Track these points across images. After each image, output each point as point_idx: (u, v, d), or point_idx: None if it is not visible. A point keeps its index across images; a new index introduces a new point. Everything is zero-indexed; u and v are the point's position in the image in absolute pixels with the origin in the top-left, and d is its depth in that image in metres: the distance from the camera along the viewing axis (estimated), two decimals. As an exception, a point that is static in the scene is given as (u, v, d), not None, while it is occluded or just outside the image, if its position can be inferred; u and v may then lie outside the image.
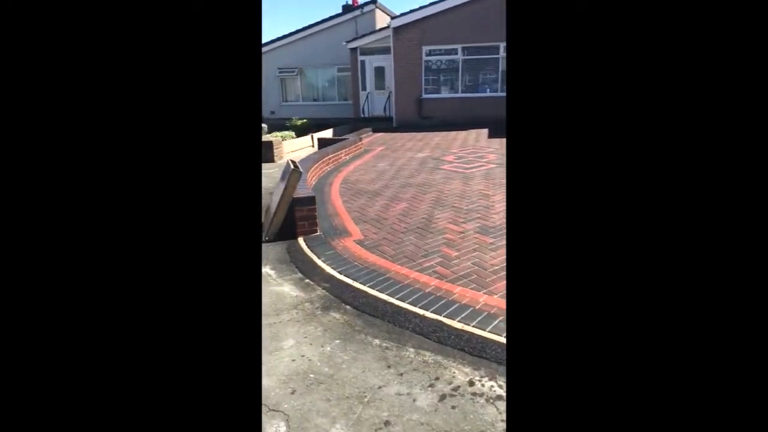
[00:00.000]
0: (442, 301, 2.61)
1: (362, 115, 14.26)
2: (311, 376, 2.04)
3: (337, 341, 2.32)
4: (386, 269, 3.11)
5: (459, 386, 1.91)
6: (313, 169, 6.12)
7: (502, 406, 1.79)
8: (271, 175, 7.33)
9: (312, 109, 15.87)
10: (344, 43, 13.88)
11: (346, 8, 15.27)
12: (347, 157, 7.88)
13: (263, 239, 3.95)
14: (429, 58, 12.57)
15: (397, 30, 12.30)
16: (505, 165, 6.04)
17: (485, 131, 10.54)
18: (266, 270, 3.30)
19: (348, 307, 2.67)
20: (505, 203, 4.29)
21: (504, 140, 8.28)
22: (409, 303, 2.62)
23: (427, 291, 2.76)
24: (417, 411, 1.78)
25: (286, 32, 15.99)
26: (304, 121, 13.83)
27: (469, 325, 2.36)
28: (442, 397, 1.85)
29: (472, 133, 10.46)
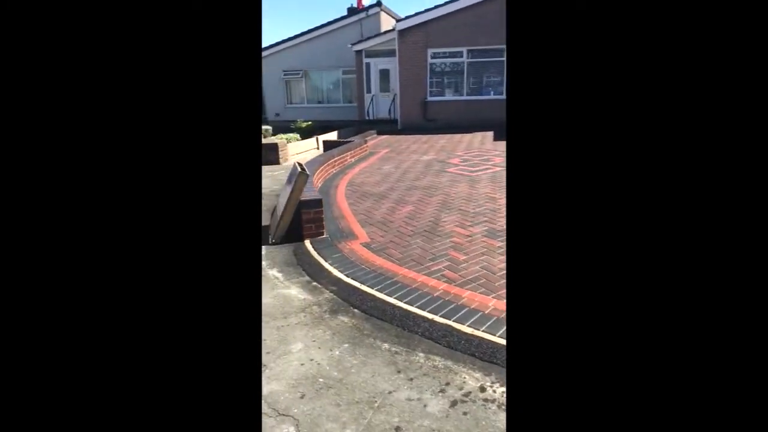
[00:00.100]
0: (451, 306, 2.60)
1: (367, 118, 14.27)
2: (320, 380, 2.02)
3: (346, 345, 2.30)
4: (394, 272, 3.10)
5: (470, 392, 1.89)
6: (318, 171, 6.12)
7: (514, 412, 1.77)
8: (276, 177, 7.33)
9: (316, 111, 15.90)
10: (349, 46, 13.91)
11: (351, 11, 15.31)
12: (352, 160, 7.88)
13: (270, 241, 3.94)
14: (434, 60, 12.57)
15: (402, 33, 12.32)
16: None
17: (490, 134, 10.52)
18: (273, 272, 3.29)
19: (356, 310, 2.66)
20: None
21: (509, 143, 8.24)
22: (418, 307, 2.61)
23: (435, 295, 2.74)
24: (428, 417, 1.76)
25: (291, 35, 16.04)
26: (309, 123, 13.86)
27: (478, 329, 2.34)
28: (453, 403, 1.83)
29: (478, 136, 10.44)
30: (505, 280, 2.88)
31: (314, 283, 3.06)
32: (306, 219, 3.90)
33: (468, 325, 2.38)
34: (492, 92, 12.51)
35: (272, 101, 16.54)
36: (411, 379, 1.99)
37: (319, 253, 3.56)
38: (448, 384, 1.95)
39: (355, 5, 15.77)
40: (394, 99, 13.74)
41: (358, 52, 13.80)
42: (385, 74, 14.08)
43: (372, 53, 13.83)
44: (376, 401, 1.86)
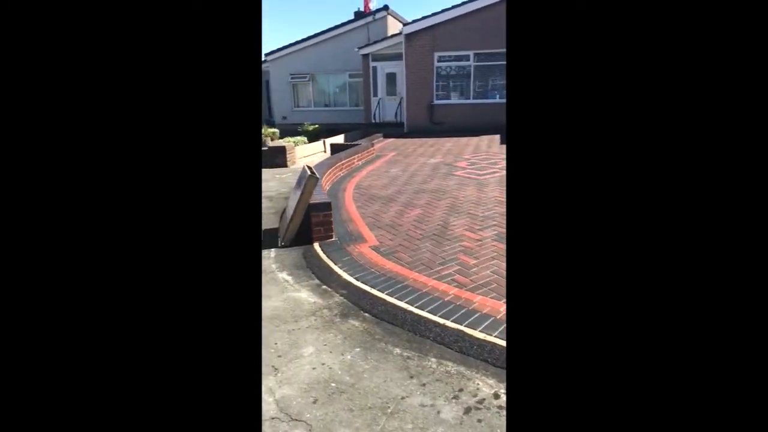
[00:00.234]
0: (463, 310, 2.58)
1: (373, 121, 14.29)
2: (332, 385, 2.01)
3: (357, 349, 2.29)
4: (404, 276, 3.09)
5: (484, 399, 1.87)
6: (327, 174, 6.12)
7: (530, 419, 1.75)
8: (284, 180, 7.35)
9: (323, 114, 15.94)
10: (356, 49, 13.95)
11: (358, 15, 15.37)
12: (360, 163, 7.89)
13: (279, 244, 3.95)
14: (440, 64, 12.58)
15: (409, 36, 12.34)
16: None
17: (497, 137, 10.49)
18: (283, 275, 3.29)
19: (366, 314, 2.64)
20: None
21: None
22: (429, 311, 2.59)
23: (446, 299, 2.72)
24: (442, 424, 1.74)
25: (299, 38, 16.12)
26: (316, 126, 13.90)
27: (491, 335, 2.32)
28: (467, 410, 1.81)
29: (484, 139, 10.42)
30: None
31: (324, 287, 3.06)
32: (315, 222, 3.90)
33: (480, 331, 2.36)
34: (498, 96, 12.49)
35: (279, 104, 16.61)
36: (424, 385, 1.98)
37: (328, 256, 3.56)
38: (461, 390, 1.94)
39: (362, 9, 15.83)
40: (400, 102, 13.75)
41: (365, 55, 13.83)
42: (391, 78, 14.11)
43: (379, 57, 13.86)
44: (389, 407, 1.85)
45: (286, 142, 9.64)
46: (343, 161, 7.19)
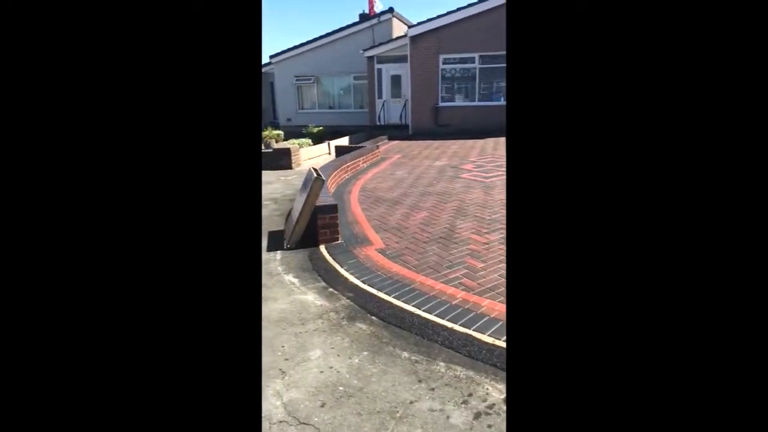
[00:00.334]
0: (471, 314, 2.56)
1: (378, 123, 14.30)
2: (340, 388, 2.00)
3: (365, 353, 2.28)
4: (411, 280, 3.07)
5: (494, 404, 1.86)
6: (332, 176, 6.12)
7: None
8: (289, 181, 7.36)
9: (327, 116, 15.96)
10: (361, 52, 13.97)
11: (363, 17, 15.40)
12: (365, 165, 7.88)
13: (285, 246, 3.94)
14: (445, 66, 12.58)
15: (414, 39, 12.35)
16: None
17: (503, 140, 10.46)
18: (289, 278, 3.28)
19: (374, 318, 2.63)
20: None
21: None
22: (437, 315, 2.58)
23: (454, 303, 2.71)
24: (452, 429, 1.73)
25: (304, 41, 16.16)
26: (320, 128, 13.92)
27: (500, 339, 2.30)
28: (477, 415, 1.79)
29: (490, 142, 10.40)
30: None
31: (330, 289, 3.05)
32: (321, 224, 3.89)
33: (488, 335, 2.34)
34: (503, 98, 12.46)
35: (284, 106, 16.66)
36: (432, 389, 1.96)
37: (334, 259, 3.55)
38: (470, 395, 1.92)
39: (366, 12, 15.86)
40: (405, 104, 13.75)
41: (370, 57, 13.85)
42: (396, 80, 14.11)
43: (384, 59, 13.87)
44: (397, 411, 1.83)
45: (291, 144, 9.66)
46: (348, 163, 7.19)
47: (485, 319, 2.50)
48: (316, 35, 15.99)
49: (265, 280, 3.27)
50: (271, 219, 5.02)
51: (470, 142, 10.63)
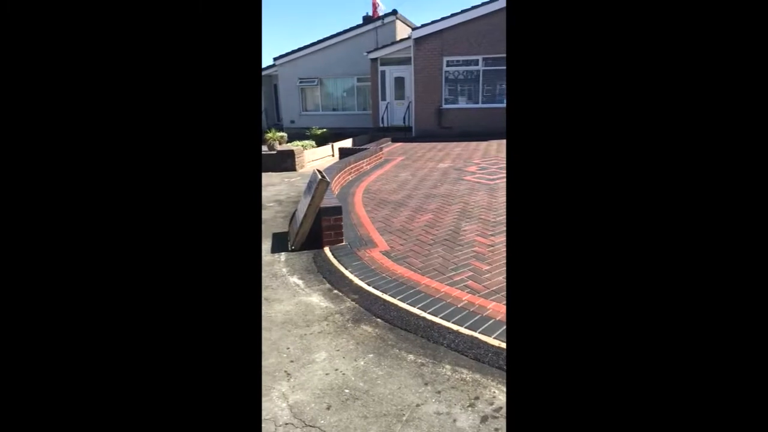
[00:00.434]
0: (476, 317, 2.55)
1: (381, 125, 14.31)
2: (346, 391, 1.99)
3: (371, 355, 2.27)
4: (416, 282, 3.06)
5: (501, 407, 1.84)
6: (336, 178, 6.12)
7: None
8: (293, 183, 7.37)
9: (331, 118, 15.99)
10: (365, 54, 13.99)
11: (367, 19, 15.42)
12: (368, 167, 7.88)
13: (289, 248, 3.94)
14: (449, 68, 12.58)
15: (418, 41, 12.36)
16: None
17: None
18: (294, 279, 3.28)
19: (379, 320, 2.62)
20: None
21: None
22: (442, 318, 2.56)
23: (459, 305, 2.70)
24: (459, 432, 1.71)
25: (307, 43, 16.20)
26: (324, 130, 13.94)
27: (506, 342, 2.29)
28: (484, 419, 1.78)
29: (493, 144, 10.39)
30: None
31: (335, 291, 3.04)
32: (326, 226, 3.89)
33: (495, 338, 2.33)
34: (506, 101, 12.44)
35: (287, 108, 16.69)
36: (439, 392, 1.95)
37: (339, 261, 3.54)
38: (477, 398, 1.91)
39: (370, 14, 15.89)
40: (408, 106, 13.76)
41: (374, 59, 13.87)
42: (400, 82, 14.12)
43: (387, 61, 13.89)
44: (404, 414, 1.82)
45: (295, 146, 9.67)
46: (352, 165, 7.19)
47: (491, 321, 2.49)
48: (320, 37, 16.02)
49: (269, 281, 3.27)
50: (275, 221, 5.02)
51: (473, 144, 10.62)
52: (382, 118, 14.40)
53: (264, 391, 1.99)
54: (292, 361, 2.23)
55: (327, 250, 3.81)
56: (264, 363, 2.21)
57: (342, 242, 3.95)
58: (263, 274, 3.39)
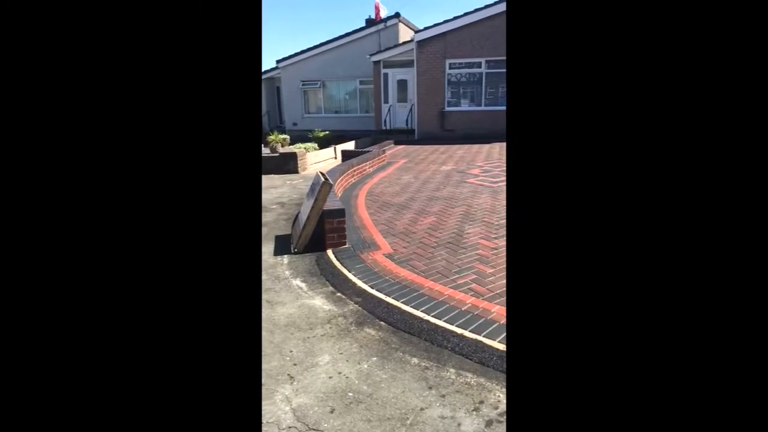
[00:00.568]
0: (481, 320, 2.54)
1: (384, 128, 14.32)
2: (350, 394, 1.98)
3: (374, 359, 2.26)
4: (419, 285, 3.05)
5: (506, 411, 1.83)
6: (339, 181, 6.12)
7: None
8: (296, 186, 7.37)
9: (333, 121, 16.01)
10: (368, 56, 14.02)
11: (370, 22, 15.46)
12: (371, 170, 7.88)
13: (292, 250, 3.94)
14: (452, 71, 12.59)
15: (420, 43, 12.38)
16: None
17: (509, 145, 10.43)
18: (297, 282, 3.28)
19: (382, 323, 2.61)
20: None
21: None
22: (446, 321, 2.55)
23: (463, 309, 2.68)
24: (463, 437, 1.70)
25: (310, 45, 16.26)
26: (326, 132, 13.95)
27: (510, 346, 2.27)
28: (489, 423, 1.77)
29: (496, 146, 10.38)
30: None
31: (338, 294, 3.03)
32: (329, 229, 3.88)
33: (499, 341, 2.31)
34: (510, 103, 12.44)
35: (290, 111, 16.73)
36: (443, 396, 1.94)
37: (342, 264, 3.54)
38: (481, 402, 1.89)
39: (373, 17, 15.93)
40: (411, 109, 13.77)
41: (376, 62, 13.89)
42: (402, 84, 14.14)
43: (390, 64, 13.91)
44: (408, 418, 1.81)
45: (297, 148, 9.68)
46: (355, 168, 7.19)
47: (495, 325, 2.48)
48: (323, 40, 16.06)
49: (272, 284, 3.26)
50: (277, 223, 5.02)
51: (476, 146, 10.61)
52: (385, 121, 14.41)
53: (267, 395, 1.99)
54: (295, 365, 2.23)
55: (330, 252, 3.80)
56: (267, 366, 2.21)
57: (345, 245, 3.94)
58: (266, 277, 3.39)
